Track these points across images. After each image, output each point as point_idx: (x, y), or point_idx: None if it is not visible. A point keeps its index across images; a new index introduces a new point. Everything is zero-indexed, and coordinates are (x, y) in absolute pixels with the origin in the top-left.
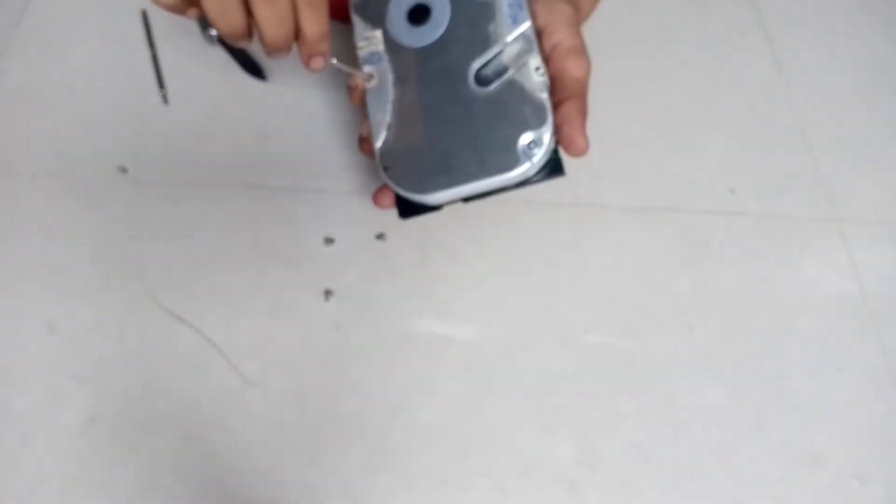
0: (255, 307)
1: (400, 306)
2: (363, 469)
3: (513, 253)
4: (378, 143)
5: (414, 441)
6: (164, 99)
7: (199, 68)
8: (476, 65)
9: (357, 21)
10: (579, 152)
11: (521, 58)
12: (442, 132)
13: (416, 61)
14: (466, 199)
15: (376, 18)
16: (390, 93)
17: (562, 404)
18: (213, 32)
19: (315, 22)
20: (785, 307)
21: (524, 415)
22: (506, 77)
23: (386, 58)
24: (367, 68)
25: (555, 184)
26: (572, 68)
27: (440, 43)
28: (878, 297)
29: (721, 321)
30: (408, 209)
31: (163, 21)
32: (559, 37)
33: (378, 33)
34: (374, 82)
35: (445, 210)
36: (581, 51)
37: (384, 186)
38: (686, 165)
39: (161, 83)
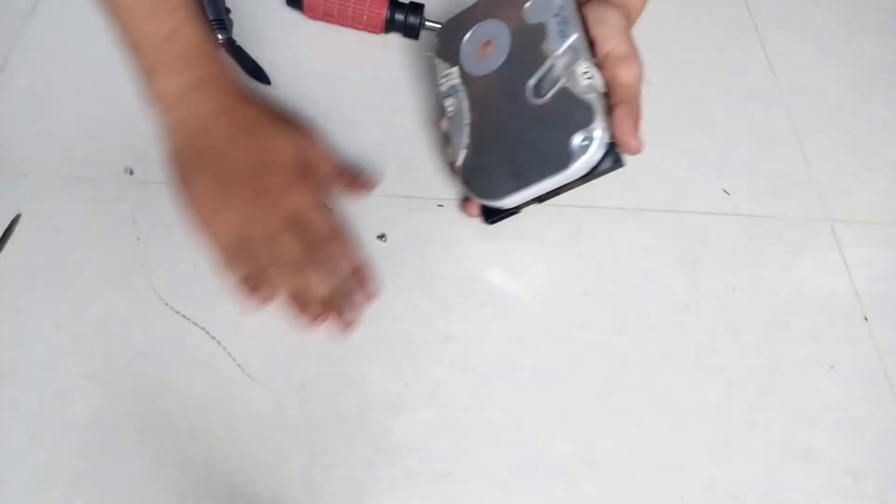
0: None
1: (400, 305)
2: (364, 463)
3: (511, 252)
4: (458, 162)
5: (414, 436)
6: None
7: None
8: (532, 81)
9: (438, 63)
10: (632, 152)
11: (569, 67)
12: (507, 144)
13: (484, 87)
14: (540, 200)
15: (452, 57)
16: (466, 117)
17: (560, 401)
18: (219, 37)
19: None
20: (778, 306)
21: (522, 411)
22: (557, 86)
23: (462, 89)
24: (447, 100)
25: None
26: (622, 74)
27: (503, 67)
28: (870, 295)
29: (715, 319)
30: (491, 215)
31: None
32: (610, 45)
33: (455, 69)
34: (452, 111)
35: (444, 211)
36: (631, 57)
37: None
38: (681, 167)
39: None
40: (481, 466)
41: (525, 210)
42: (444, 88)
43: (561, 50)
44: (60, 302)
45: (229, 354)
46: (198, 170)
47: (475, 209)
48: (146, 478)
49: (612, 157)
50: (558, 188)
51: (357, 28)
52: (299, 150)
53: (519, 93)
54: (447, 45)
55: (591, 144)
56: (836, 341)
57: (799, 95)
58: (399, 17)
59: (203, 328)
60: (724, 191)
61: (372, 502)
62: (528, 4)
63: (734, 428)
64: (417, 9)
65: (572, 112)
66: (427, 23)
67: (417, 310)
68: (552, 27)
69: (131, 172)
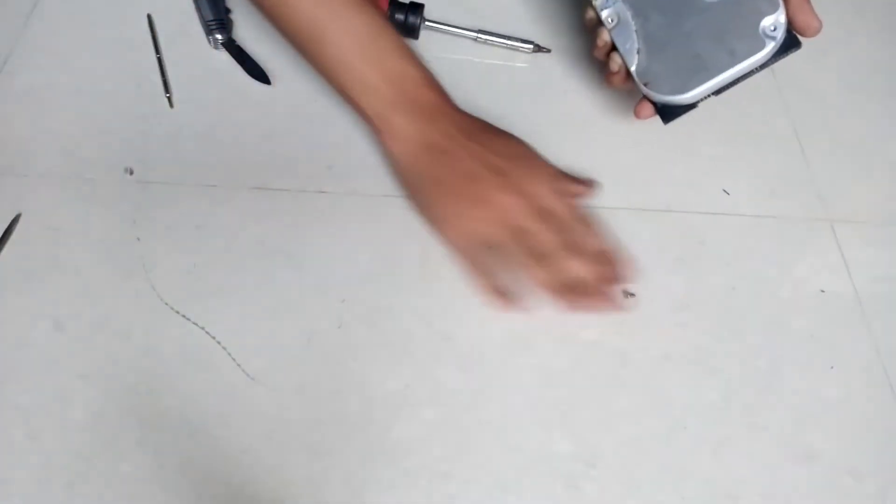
0: (259, 306)
1: (401, 305)
2: (365, 464)
3: None
4: (633, 67)
5: (415, 436)
6: (170, 102)
7: (205, 72)
8: None
9: None
10: (814, 33)
11: None
12: (687, 40)
13: None
14: (717, 92)
15: None
16: (632, 24)
17: (560, 401)
18: (219, 37)
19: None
20: (778, 306)
21: (523, 411)
22: None
23: None
24: (605, 12)
25: None
26: None
27: None
28: (870, 295)
29: (715, 320)
30: (669, 114)
31: (168, 25)
32: None
33: None
34: (614, 22)
35: None
36: None
37: (642, 101)
38: (680, 167)
39: (167, 86)
40: (481, 466)
41: None
42: (598, 2)
43: None
44: (60, 302)
45: (229, 354)
46: (441, 179)
47: (648, 110)
48: (146, 478)
49: (791, 39)
50: (738, 78)
51: None
52: (527, 148)
53: None
54: None
55: (778, 28)
56: (836, 341)
57: (799, 95)
58: (399, 16)
59: (203, 328)
60: (724, 191)
61: (372, 502)
62: None
63: (734, 428)
64: (417, 9)
65: (752, 3)
66: (427, 22)
67: (417, 310)
68: None
69: (131, 172)
